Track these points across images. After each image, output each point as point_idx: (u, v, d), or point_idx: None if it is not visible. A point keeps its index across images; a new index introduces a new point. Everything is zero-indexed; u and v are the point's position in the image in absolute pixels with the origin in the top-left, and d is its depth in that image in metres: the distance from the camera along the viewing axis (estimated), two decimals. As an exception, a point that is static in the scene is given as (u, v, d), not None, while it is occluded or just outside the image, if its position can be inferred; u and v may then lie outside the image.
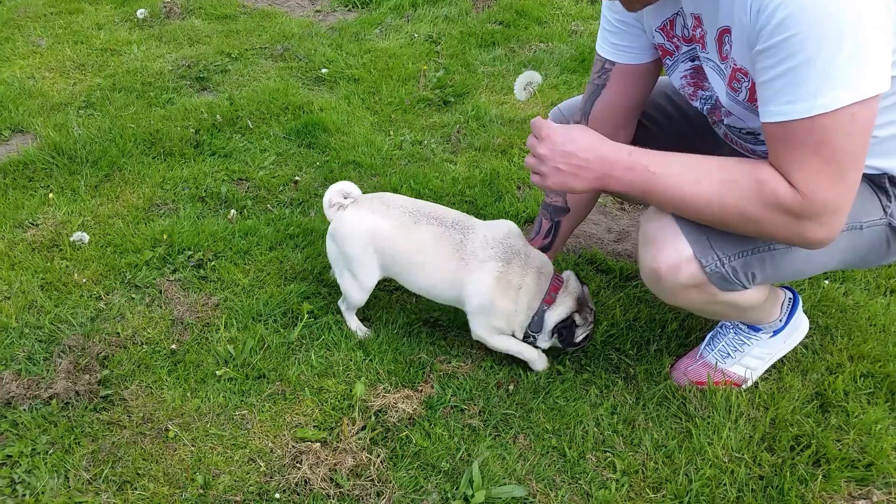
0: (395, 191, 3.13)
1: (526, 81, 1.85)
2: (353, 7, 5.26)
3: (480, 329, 2.25)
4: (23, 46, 4.42)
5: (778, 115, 1.42)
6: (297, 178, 3.20)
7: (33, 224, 2.83)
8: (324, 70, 4.22)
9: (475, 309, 2.20)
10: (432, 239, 2.18)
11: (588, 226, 3.06)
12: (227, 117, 3.62)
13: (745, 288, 1.80)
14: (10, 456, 1.95)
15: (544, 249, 2.33)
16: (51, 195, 2.97)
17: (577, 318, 2.16)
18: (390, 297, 2.59)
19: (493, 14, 5.25)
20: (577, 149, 1.66)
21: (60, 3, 5.16)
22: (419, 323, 2.47)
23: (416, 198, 3.02)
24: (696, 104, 1.91)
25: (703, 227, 1.69)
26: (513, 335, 2.25)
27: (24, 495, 1.86)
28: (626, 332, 2.40)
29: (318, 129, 3.59)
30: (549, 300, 2.16)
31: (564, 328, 2.16)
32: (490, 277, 2.13)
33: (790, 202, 1.47)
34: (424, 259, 2.19)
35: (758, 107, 1.51)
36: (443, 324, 2.47)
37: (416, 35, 4.83)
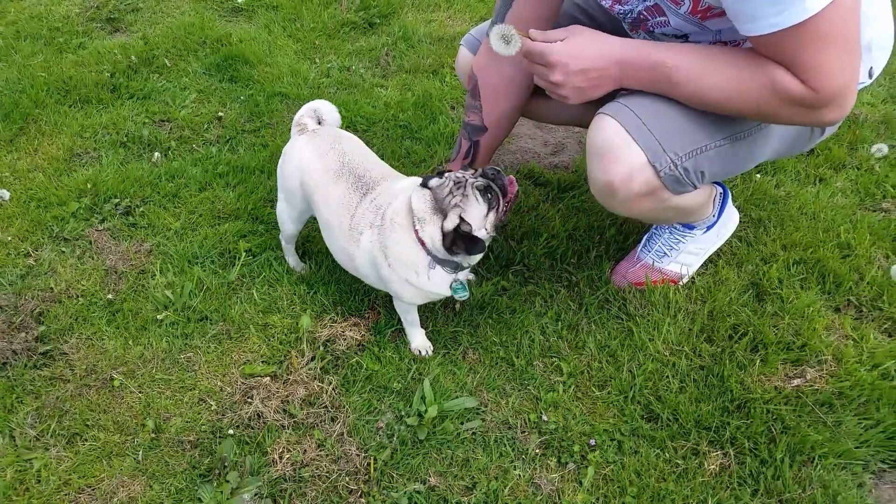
0: (326, 120, 3.05)
1: (501, 34, 1.72)
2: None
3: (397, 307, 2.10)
4: None
5: (771, 26, 1.42)
6: (220, 114, 3.09)
7: (-55, 186, 2.68)
8: (240, 0, 4.02)
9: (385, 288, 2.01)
10: (338, 200, 1.97)
11: (524, 140, 3.05)
12: (143, 58, 3.44)
13: (695, 188, 1.83)
14: (-50, 422, 1.91)
15: (465, 169, 2.29)
16: (-40, 153, 2.81)
17: (447, 225, 1.77)
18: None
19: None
20: (590, 63, 1.64)
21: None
22: (361, 251, 2.45)
23: (349, 125, 2.97)
24: (619, 9, 1.87)
25: (651, 128, 1.70)
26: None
27: (-30, 459, 1.83)
28: (566, 242, 2.43)
29: (239, 62, 3.44)
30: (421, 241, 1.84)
31: (454, 244, 1.79)
32: (365, 250, 1.93)
33: (803, 96, 1.50)
34: (331, 219, 2.00)
35: (700, 18, 1.51)
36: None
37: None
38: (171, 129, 3.03)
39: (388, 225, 1.84)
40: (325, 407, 1.93)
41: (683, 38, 1.79)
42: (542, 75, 1.70)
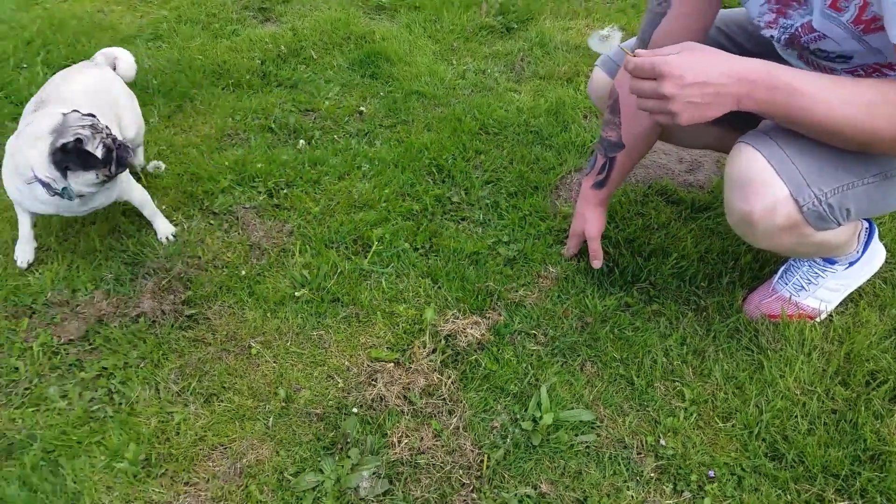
0: (459, 122, 3.13)
1: (602, 34, 1.68)
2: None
3: None
4: (90, -21, 4.48)
5: None
6: (362, 108, 3.22)
7: (113, 152, 2.93)
8: (385, -2, 4.17)
9: None
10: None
11: (658, 156, 3.01)
12: (291, 48, 3.63)
13: (840, 225, 1.76)
14: (106, 368, 2.09)
15: (598, 185, 2.28)
16: (127, 124, 3.06)
17: (62, 140, 2.04)
18: (457, 226, 2.61)
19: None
20: (710, 76, 1.50)
21: (123, -66, 5.18)
22: (486, 251, 2.50)
23: (481, 128, 3.03)
24: (772, 33, 1.82)
25: (795, 162, 1.64)
26: None
27: (121, 403, 2.00)
28: (697, 264, 2.38)
29: (380, 59, 3.57)
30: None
31: (65, 152, 2.04)
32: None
33: None
34: None
35: (863, 29, 1.44)
36: (510, 255, 2.49)
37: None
38: (315, 118, 3.18)
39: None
40: (444, 399, 1.99)
41: (841, 60, 1.71)
42: (649, 92, 1.55)
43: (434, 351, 2.13)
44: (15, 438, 1.91)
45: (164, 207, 2.65)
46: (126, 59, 2.70)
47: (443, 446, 1.87)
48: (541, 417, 1.92)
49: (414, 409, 1.96)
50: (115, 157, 2.14)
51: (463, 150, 2.98)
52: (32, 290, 2.32)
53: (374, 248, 2.48)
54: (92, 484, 1.80)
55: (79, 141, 2.04)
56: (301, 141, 2.99)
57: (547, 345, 2.17)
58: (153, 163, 2.82)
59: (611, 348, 2.15)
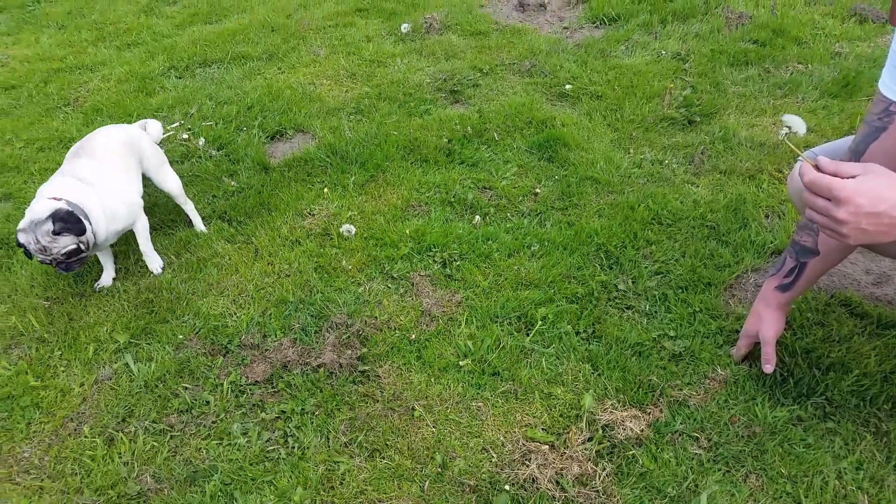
0: (631, 210, 3.15)
1: (790, 124, 1.69)
2: (601, 24, 5.31)
3: None
4: (305, 56, 5.07)
5: None
6: (537, 190, 3.34)
7: (310, 214, 3.26)
8: (567, 86, 4.32)
9: None
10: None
11: (844, 265, 2.83)
12: (477, 129, 3.86)
13: None
14: (284, 411, 2.29)
15: (783, 288, 2.19)
16: (325, 190, 3.40)
17: (20, 237, 2.57)
18: (621, 314, 2.61)
19: (746, 32, 5.00)
20: (888, 207, 1.46)
21: (336, 17, 5.82)
22: (650, 343, 2.47)
23: (654, 217, 3.04)
24: None
25: None
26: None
27: (294, 447, 2.18)
28: (880, 383, 2.20)
29: (558, 144, 3.70)
30: None
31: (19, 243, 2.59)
32: None
33: None
34: None
35: None
36: (676, 351, 2.44)
37: (663, 52, 4.76)
38: (491, 196, 3.35)
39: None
40: (597, 491, 1.97)
41: None
42: (822, 209, 1.52)
43: (590, 439, 2.12)
44: (199, 467, 2.14)
45: (349, 267, 2.89)
46: (155, 125, 3.34)
47: (592, 539, 1.85)
48: (698, 526, 1.84)
49: (566, 496, 1.96)
50: (56, 267, 2.67)
51: (633, 239, 2.99)
52: (229, 331, 2.61)
53: (537, 327, 2.54)
54: (262, 518, 1.96)
55: (25, 246, 2.59)
56: (477, 217, 3.16)
57: (710, 450, 2.09)
58: (345, 226, 3.09)
59: (779, 463, 2.02)
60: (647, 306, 2.65)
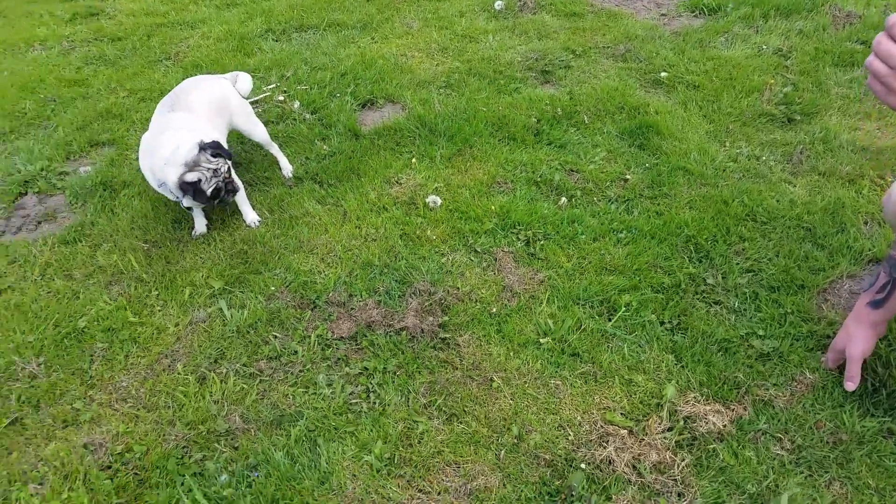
0: (725, 204, 3.07)
1: None
2: (700, 13, 5.15)
3: None
4: (399, 27, 5.10)
5: None
6: (627, 176, 3.29)
7: (398, 182, 3.30)
8: (663, 73, 4.23)
9: None
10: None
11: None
12: (566, 111, 3.82)
13: None
14: (367, 368, 2.35)
15: (875, 305, 2.09)
16: (413, 160, 3.43)
17: (189, 177, 2.67)
18: (709, 309, 2.56)
19: (854, 32, 4.77)
20: None
21: (430, -8, 5.83)
22: (738, 341, 2.42)
23: (748, 214, 2.96)
24: None
25: None
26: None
27: (375, 403, 2.23)
28: (984, 405, 2.10)
29: (650, 132, 3.63)
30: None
31: (188, 185, 2.69)
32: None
33: None
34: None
35: None
36: (764, 350, 2.38)
37: (764, 47, 4.60)
38: (577, 179, 3.32)
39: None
40: (675, 480, 1.95)
41: None
42: (885, 53, 1.40)
43: (670, 429, 2.10)
44: (285, 412, 2.22)
45: (434, 238, 2.92)
46: (245, 79, 3.38)
47: (666, 526, 1.84)
48: (777, 526, 1.81)
49: (642, 481, 1.95)
50: (220, 197, 2.81)
51: (726, 234, 2.92)
52: (317, 287, 2.69)
53: (620, 313, 2.52)
54: (342, 469, 2.03)
55: (198, 181, 2.70)
56: (563, 198, 3.14)
57: (793, 452, 2.05)
58: (431, 197, 3.13)
59: (866, 474, 1.97)
60: (737, 303, 2.60)
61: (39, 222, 3.26)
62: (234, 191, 2.87)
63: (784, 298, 2.58)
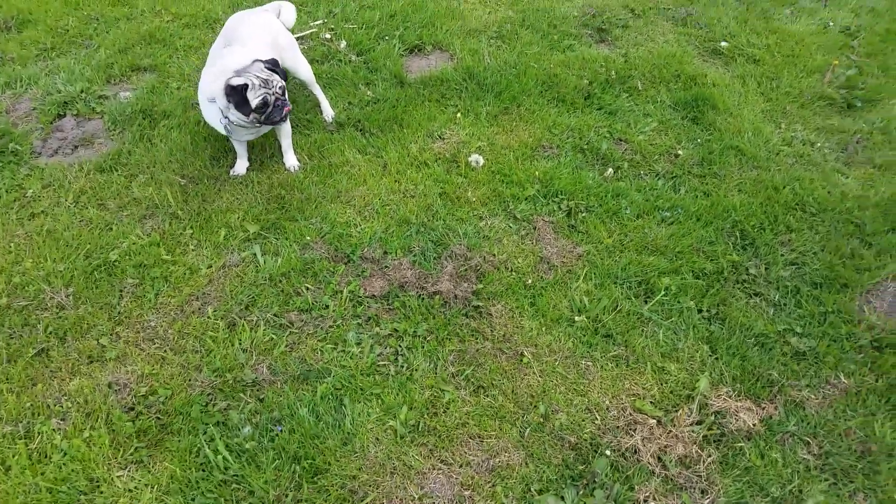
0: (775, 190, 2.97)
1: None
2: (768, -20, 4.89)
3: None
4: (452, -30, 4.90)
5: None
6: (679, 152, 3.18)
7: (440, 137, 3.22)
8: (723, 43, 4.04)
9: None
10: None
11: None
12: (620, 75, 3.68)
13: None
14: (397, 330, 2.33)
15: None
16: (458, 115, 3.34)
17: (235, 80, 2.54)
18: (748, 300, 2.50)
19: (933, 14, 4.52)
20: None
21: (485, -68, 5.57)
22: (775, 336, 2.37)
23: (798, 203, 2.87)
24: None
25: None
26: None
27: (403, 366, 2.23)
28: None
29: (706, 105, 3.49)
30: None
31: (233, 90, 2.54)
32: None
33: None
34: None
35: None
36: (800, 349, 2.33)
37: (831, 23, 4.37)
38: (625, 149, 3.22)
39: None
40: (700, 476, 1.94)
41: None
42: None
43: (699, 423, 2.08)
44: (312, 367, 2.21)
45: (473, 199, 2.86)
46: (289, 11, 3.27)
47: (686, 522, 1.83)
48: (798, 533, 1.80)
49: (667, 474, 1.94)
50: (267, 112, 2.64)
51: (773, 222, 2.83)
52: (352, 241, 2.65)
53: (658, 296, 2.47)
54: (366, 431, 2.03)
55: (245, 87, 2.55)
56: (609, 169, 3.04)
57: (819, 458, 2.02)
58: (474, 156, 3.05)
59: (892, 488, 1.94)
60: (777, 297, 2.53)
61: (76, 146, 3.23)
62: (284, 109, 2.70)
63: (826, 296, 2.51)
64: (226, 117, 2.67)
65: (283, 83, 2.69)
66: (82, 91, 3.54)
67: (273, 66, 2.66)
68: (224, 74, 2.61)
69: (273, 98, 2.62)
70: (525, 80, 3.57)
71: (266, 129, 2.84)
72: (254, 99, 2.57)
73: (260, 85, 2.58)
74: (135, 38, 3.96)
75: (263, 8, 3.21)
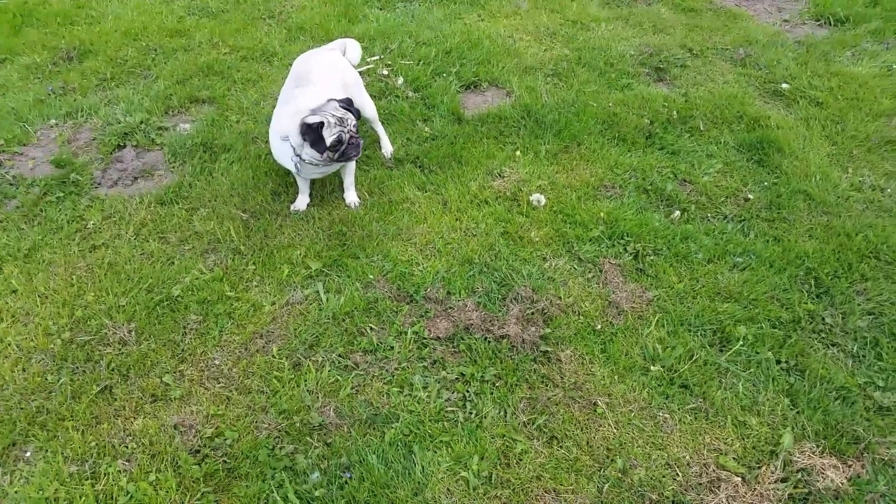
0: (847, 237, 2.87)
1: None
2: (826, 23, 4.82)
3: None
4: (507, 6, 4.92)
5: None
6: (749, 195, 3.09)
7: (500, 175, 3.18)
8: (784, 85, 3.97)
9: None
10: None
11: None
12: (681, 114, 3.63)
13: None
14: (464, 374, 2.27)
15: None
16: (517, 152, 3.30)
17: (311, 119, 2.57)
18: (826, 350, 2.40)
19: None
20: None
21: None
22: (856, 390, 2.26)
23: (872, 251, 2.77)
24: None
25: None
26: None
27: (472, 413, 2.16)
28: None
29: (771, 147, 3.41)
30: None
31: (309, 129, 2.56)
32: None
33: None
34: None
35: None
36: (885, 404, 2.22)
37: (894, 66, 4.28)
38: (690, 191, 3.15)
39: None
40: (791, 541, 1.83)
41: None
42: None
43: (784, 480, 1.97)
44: (379, 411, 2.15)
45: (537, 239, 2.81)
46: (354, 48, 3.28)
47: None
48: None
49: (755, 537, 1.84)
50: (341, 150, 2.65)
51: (847, 270, 2.73)
52: (415, 280, 2.61)
53: (735, 346, 2.38)
54: (437, 481, 1.96)
55: (321, 125, 2.56)
56: (676, 211, 2.97)
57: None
58: (535, 195, 3.00)
59: None
60: (855, 348, 2.42)
61: (136, 178, 3.25)
62: (358, 147, 2.70)
63: (910, 349, 2.40)
64: (297, 155, 2.66)
65: (356, 120, 2.68)
66: (141, 122, 3.58)
67: (347, 104, 2.66)
68: (300, 114, 2.61)
69: (347, 136, 2.62)
70: (585, 119, 3.53)
71: (335, 167, 2.83)
72: (329, 137, 2.57)
73: (335, 123, 2.59)
74: (192, 70, 4.02)
75: (329, 47, 3.23)
